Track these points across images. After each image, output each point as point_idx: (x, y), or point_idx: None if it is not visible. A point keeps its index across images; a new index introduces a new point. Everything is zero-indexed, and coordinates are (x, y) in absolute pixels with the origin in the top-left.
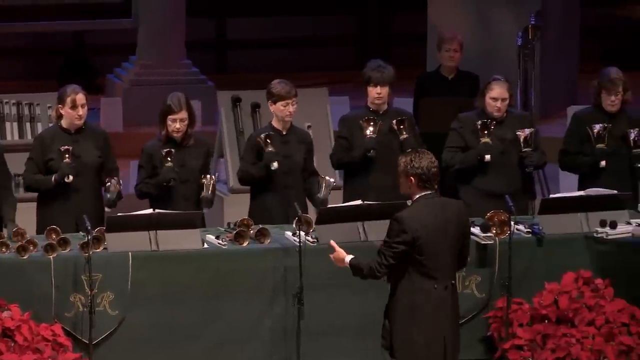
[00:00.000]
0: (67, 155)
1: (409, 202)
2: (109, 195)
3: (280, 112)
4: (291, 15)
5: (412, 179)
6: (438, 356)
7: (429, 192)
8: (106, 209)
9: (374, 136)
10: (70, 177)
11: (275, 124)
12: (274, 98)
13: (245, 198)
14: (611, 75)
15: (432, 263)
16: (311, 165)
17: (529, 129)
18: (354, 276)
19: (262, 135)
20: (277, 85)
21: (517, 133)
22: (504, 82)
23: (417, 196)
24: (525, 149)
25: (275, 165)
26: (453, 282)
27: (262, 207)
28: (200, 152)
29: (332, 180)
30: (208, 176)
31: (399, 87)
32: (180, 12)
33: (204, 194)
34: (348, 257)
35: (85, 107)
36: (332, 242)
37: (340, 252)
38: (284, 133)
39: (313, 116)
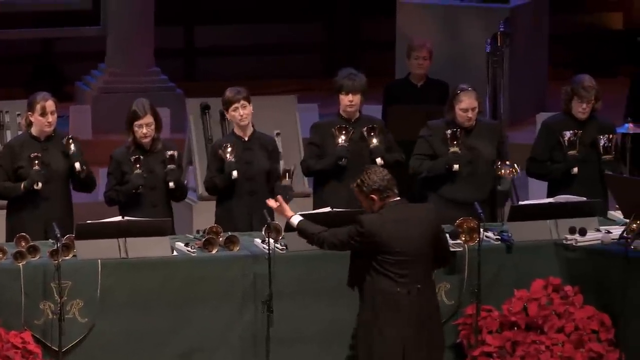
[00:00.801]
0: (36, 163)
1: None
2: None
3: (233, 118)
4: (259, 23)
5: (374, 196)
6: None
7: (392, 200)
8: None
9: (345, 145)
10: (40, 185)
11: (236, 131)
12: (225, 105)
13: (214, 205)
14: (584, 83)
15: (395, 267)
16: (277, 170)
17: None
18: (299, 236)
19: (223, 145)
20: (226, 92)
21: (498, 167)
22: (472, 91)
23: (381, 206)
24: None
25: (235, 174)
26: (419, 286)
27: (227, 213)
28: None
29: (292, 167)
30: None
31: (368, 94)
32: (149, 19)
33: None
34: (295, 218)
35: (55, 115)
36: (279, 198)
37: (286, 209)
38: (246, 139)
39: (282, 124)
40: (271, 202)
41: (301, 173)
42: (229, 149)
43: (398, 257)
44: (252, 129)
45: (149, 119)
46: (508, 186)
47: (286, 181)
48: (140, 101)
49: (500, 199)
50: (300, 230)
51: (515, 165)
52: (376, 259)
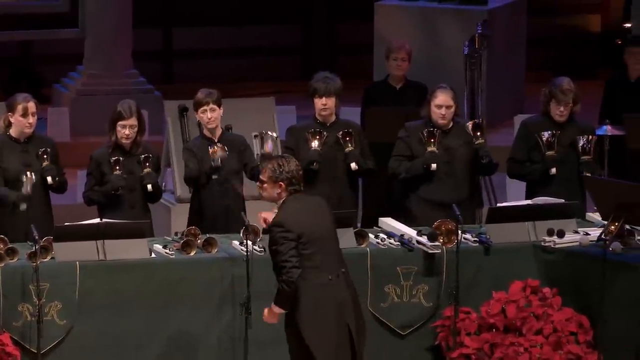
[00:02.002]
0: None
1: (275, 208)
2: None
3: (201, 119)
4: (238, 25)
5: (282, 184)
6: (347, 349)
7: (296, 193)
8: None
9: (318, 149)
10: (29, 190)
11: (205, 132)
12: (194, 106)
13: None
14: (563, 86)
15: (319, 256)
16: (252, 161)
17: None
18: (284, 309)
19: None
20: (198, 93)
21: (467, 125)
22: (449, 90)
23: (284, 198)
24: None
25: (217, 165)
26: (343, 270)
27: (200, 214)
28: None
29: (274, 134)
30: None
31: (345, 97)
32: (127, 22)
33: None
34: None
35: (35, 116)
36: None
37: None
38: (216, 140)
39: (260, 126)
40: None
41: None
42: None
43: (317, 245)
44: (220, 130)
45: (133, 121)
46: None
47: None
48: (126, 102)
49: (489, 167)
50: (276, 303)
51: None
52: (302, 254)
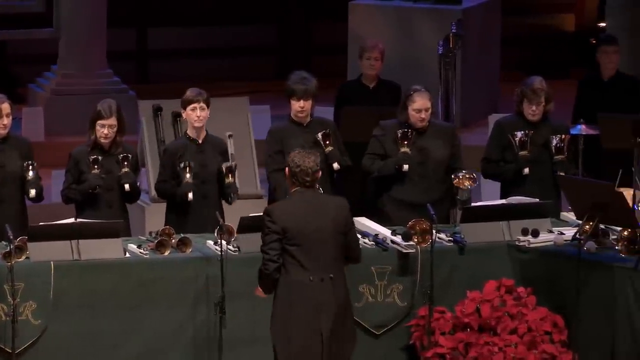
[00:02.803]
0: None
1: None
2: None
3: (189, 117)
4: (212, 25)
5: (287, 172)
6: (315, 354)
7: (304, 189)
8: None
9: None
10: None
11: (190, 132)
12: (183, 104)
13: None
14: (534, 85)
15: (306, 254)
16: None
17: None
18: (264, 293)
19: (181, 164)
20: (187, 91)
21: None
22: (425, 92)
23: (292, 191)
24: (459, 176)
25: (190, 196)
26: (332, 275)
27: (179, 216)
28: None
29: (233, 164)
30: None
31: (320, 96)
32: (102, 22)
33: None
34: None
35: (10, 117)
36: None
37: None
38: (200, 142)
39: (234, 125)
40: None
41: (247, 173)
42: (188, 168)
43: (305, 243)
44: (204, 131)
45: (112, 121)
46: (467, 195)
47: (229, 180)
48: (107, 102)
49: (463, 207)
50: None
51: (474, 174)
52: (286, 248)
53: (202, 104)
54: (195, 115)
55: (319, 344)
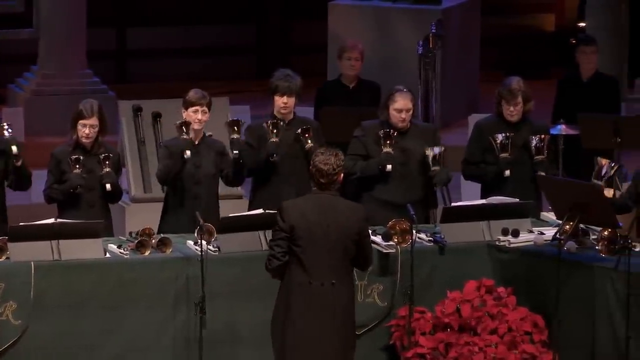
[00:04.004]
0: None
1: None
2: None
3: (189, 118)
4: (191, 25)
5: (313, 178)
6: (304, 356)
7: (319, 191)
8: None
9: (277, 141)
10: None
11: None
12: (185, 104)
13: (147, 207)
14: (511, 86)
15: (309, 256)
16: (229, 167)
17: (437, 148)
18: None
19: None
20: (191, 92)
21: (427, 153)
22: (407, 92)
23: (313, 190)
24: (434, 168)
25: (188, 153)
26: (334, 281)
27: (173, 217)
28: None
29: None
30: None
31: (302, 96)
32: (81, 22)
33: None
34: None
35: None
36: None
37: None
38: (196, 143)
39: (214, 125)
40: None
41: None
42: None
43: (310, 245)
44: (202, 132)
45: (93, 120)
46: (445, 175)
47: (235, 136)
48: (88, 102)
49: (438, 179)
50: None
51: (443, 148)
52: (291, 247)
53: (204, 108)
54: (197, 117)
55: (313, 349)
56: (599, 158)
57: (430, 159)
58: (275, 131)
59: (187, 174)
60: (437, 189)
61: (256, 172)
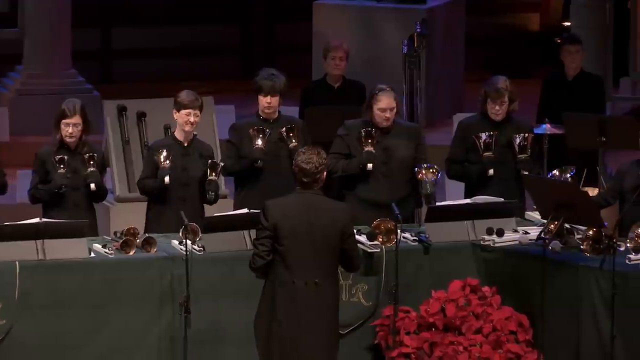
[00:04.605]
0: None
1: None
2: None
3: (181, 120)
4: (176, 24)
5: (296, 177)
6: (287, 355)
7: (303, 189)
8: None
9: (262, 147)
10: None
11: (177, 134)
12: (177, 105)
13: (132, 207)
14: (498, 85)
15: (293, 255)
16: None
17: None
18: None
19: (158, 150)
20: (183, 94)
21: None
22: (390, 91)
23: (296, 189)
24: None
25: (167, 180)
26: (317, 280)
27: (157, 218)
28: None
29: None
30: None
31: (286, 95)
32: (66, 22)
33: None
34: None
35: None
36: None
37: None
38: (185, 145)
39: (199, 125)
40: None
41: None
42: (164, 154)
43: (293, 244)
44: (192, 135)
45: (77, 119)
46: (431, 189)
47: (211, 177)
48: (71, 101)
49: (428, 201)
50: None
51: (435, 166)
52: (276, 247)
53: (196, 111)
54: (189, 120)
55: (298, 348)
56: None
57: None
58: (260, 136)
59: (174, 176)
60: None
61: (240, 175)
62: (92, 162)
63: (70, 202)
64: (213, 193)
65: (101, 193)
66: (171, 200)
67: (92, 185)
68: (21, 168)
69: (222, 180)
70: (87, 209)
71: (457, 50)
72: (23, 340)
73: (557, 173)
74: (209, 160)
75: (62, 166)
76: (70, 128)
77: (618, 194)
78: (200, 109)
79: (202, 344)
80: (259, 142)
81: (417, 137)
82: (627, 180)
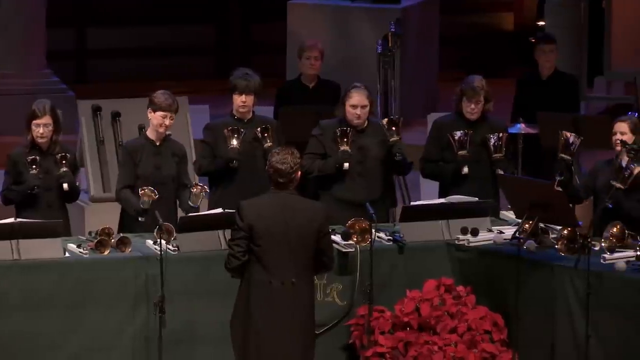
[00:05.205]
0: None
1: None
2: None
3: (156, 121)
4: (151, 24)
5: (271, 177)
6: (268, 356)
7: (278, 190)
8: None
9: (237, 147)
10: None
11: (149, 134)
12: (154, 107)
13: (107, 207)
14: (474, 83)
15: (269, 256)
16: (184, 178)
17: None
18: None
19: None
20: (161, 96)
21: (392, 139)
22: (363, 89)
23: (270, 189)
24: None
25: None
26: (294, 280)
27: (131, 218)
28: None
29: (205, 189)
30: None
31: (261, 95)
32: (41, 21)
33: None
34: None
35: None
36: None
37: None
38: (157, 144)
39: (173, 125)
40: None
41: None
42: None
43: (269, 245)
44: (163, 135)
45: (47, 119)
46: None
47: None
48: (41, 102)
49: (403, 165)
50: None
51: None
52: (251, 247)
53: (172, 114)
54: (164, 123)
55: (274, 348)
56: (563, 131)
57: (385, 124)
58: (235, 136)
59: (148, 175)
60: (395, 181)
61: (215, 175)
62: (64, 162)
63: (43, 203)
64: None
65: (74, 193)
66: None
67: (65, 186)
68: None
69: (196, 180)
70: (60, 209)
71: (432, 49)
72: None
73: (569, 135)
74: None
75: (34, 167)
76: (41, 129)
77: (591, 191)
78: (176, 111)
79: (177, 343)
80: (234, 142)
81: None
82: (600, 179)
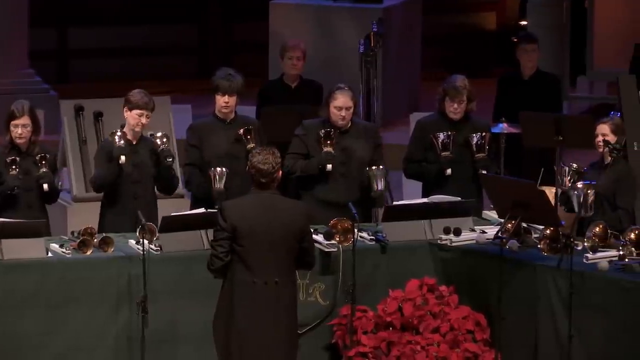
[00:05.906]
0: None
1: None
2: None
3: (132, 120)
4: (133, 24)
5: (253, 177)
6: (251, 356)
7: (259, 190)
8: None
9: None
10: None
11: (127, 132)
12: (130, 105)
13: (89, 206)
14: (456, 83)
15: (252, 256)
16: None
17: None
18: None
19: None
20: (137, 95)
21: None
22: (348, 90)
23: (252, 189)
24: (372, 167)
25: (122, 159)
26: (277, 280)
27: (111, 216)
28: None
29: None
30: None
31: (242, 95)
32: (23, 21)
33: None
34: None
35: None
36: None
37: None
38: (134, 142)
39: (155, 125)
40: None
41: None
42: (118, 134)
43: (253, 245)
44: (140, 133)
45: (25, 120)
46: (381, 187)
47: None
48: (20, 102)
49: (380, 202)
50: None
51: (385, 167)
52: (234, 247)
53: (148, 112)
54: (140, 121)
55: (257, 348)
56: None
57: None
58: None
59: (125, 173)
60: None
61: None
62: (43, 163)
63: (23, 203)
64: (170, 159)
65: (53, 194)
66: (123, 198)
67: (45, 186)
68: None
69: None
70: (40, 209)
71: (414, 49)
72: None
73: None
74: (161, 133)
75: (14, 167)
76: (20, 129)
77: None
78: (152, 110)
79: (160, 343)
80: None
81: (375, 137)
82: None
